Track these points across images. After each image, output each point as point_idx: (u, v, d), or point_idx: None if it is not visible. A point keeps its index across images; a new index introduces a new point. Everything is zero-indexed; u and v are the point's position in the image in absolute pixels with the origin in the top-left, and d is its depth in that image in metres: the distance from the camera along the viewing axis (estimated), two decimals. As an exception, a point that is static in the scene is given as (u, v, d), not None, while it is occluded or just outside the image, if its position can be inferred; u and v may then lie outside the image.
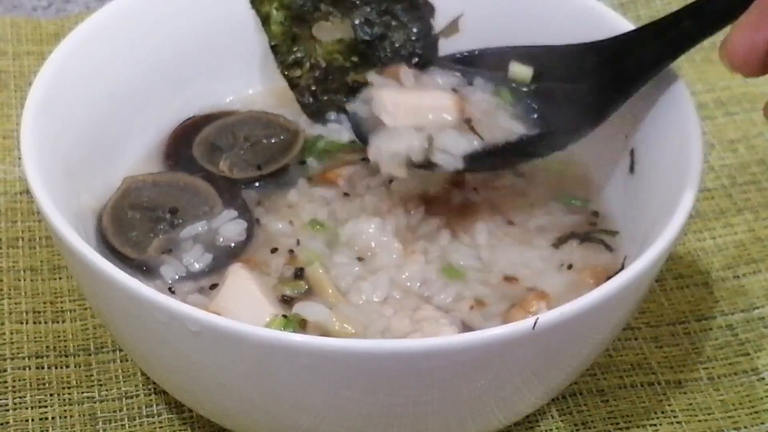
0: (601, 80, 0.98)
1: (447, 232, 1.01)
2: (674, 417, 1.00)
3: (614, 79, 0.97)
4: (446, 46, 1.12)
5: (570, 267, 0.99)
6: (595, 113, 0.98)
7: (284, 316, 0.92)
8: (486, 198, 1.04)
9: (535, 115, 1.00)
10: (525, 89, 1.02)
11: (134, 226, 1.00)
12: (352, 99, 1.03)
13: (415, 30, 1.11)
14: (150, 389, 1.00)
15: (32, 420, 0.98)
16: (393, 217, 1.01)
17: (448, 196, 1.04)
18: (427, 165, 0.97)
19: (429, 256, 0.99)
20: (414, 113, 0.98)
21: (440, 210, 1.02)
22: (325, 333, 0.91)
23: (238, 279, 0.95)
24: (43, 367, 1.02)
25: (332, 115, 1.12)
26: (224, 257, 0.98)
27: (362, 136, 1.01)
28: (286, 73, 1.11)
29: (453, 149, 0.96)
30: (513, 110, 1.01)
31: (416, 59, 1.08)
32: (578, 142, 1.00)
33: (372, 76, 1.03)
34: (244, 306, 0.93)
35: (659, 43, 0.94)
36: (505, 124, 0.99)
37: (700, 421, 1.00)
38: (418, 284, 0.96)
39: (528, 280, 0.98)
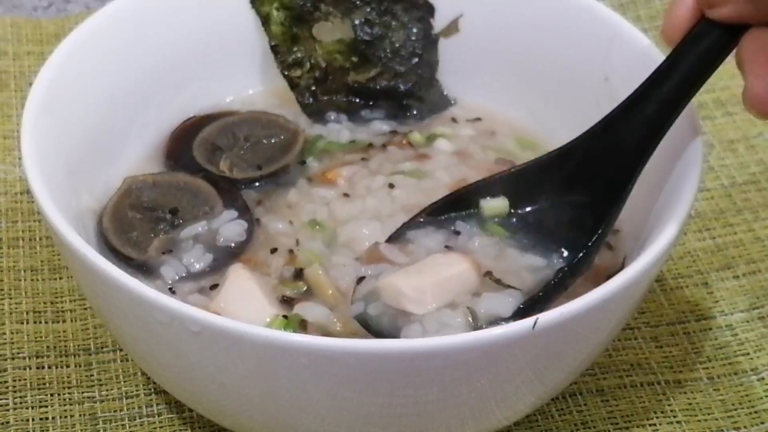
0: (591, 183, 0.93)
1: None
2: (674, 417, 1.00)
3: (599, 176, 0.93)
4: (446, 46, 1.12)
5: (570, 267, 0.99)
6: (598, 213, 0.93)
7: (284, 316, 0.92)
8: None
9: (536, 238, 0.95)
10: (513, 220, 0.97)
11: (135, 226, 1.00)
12: (355, 301, 0.94)
13: (415, 30, 1.11)
14: (150, 389, 1.01)
15: (33, 420, 0.98)
16: (394, 221, 1.01)
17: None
18: None
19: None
20: (440, 291, 0.91)
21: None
22: (325, 333, 0.91)
23: (239, 279, 0.95)
24: (43, 367, 1.02)
25: (332, 115, 1.12)
26: (224, 257, 0.98)
27: (388, 334, 0.91)
28: (286, 73, 1.11)
29: (501, 310, 0.90)
30: (517, 243, 0.96)
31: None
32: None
33: (361, 269, 0.96)
34: (244, 306, 0.93)
35: (636, 126, 0.90)
36: (522, 261, 0.94)
37: (699, 421, 1.00)
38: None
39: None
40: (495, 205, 0.98)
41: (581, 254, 0.92)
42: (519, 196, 0.97)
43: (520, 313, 0.90)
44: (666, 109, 0.89)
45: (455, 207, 0.99)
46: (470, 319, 0.90)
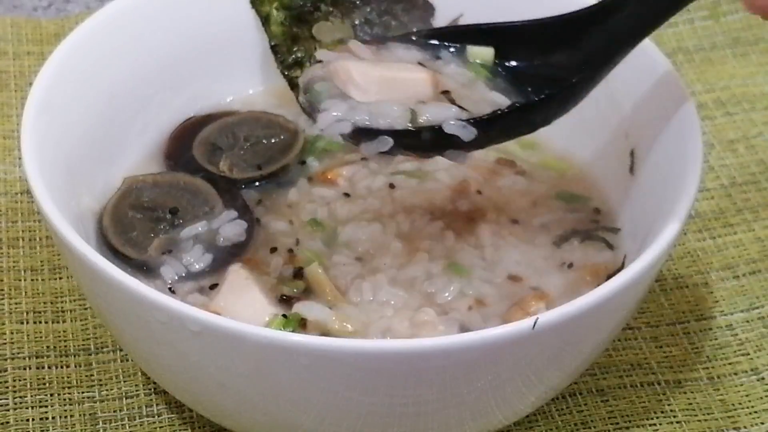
0: (579, 51, 0.93)
1: (451, 233, 1.00)
2: (674, 417, 1.00)
3: (592, 51, 0.92)
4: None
5: (570, 266, 0.99)
6: (581, 83, 0.92)
7: (284, 315, 0.92)
8: (489, 198, 1.04)
9: (514, 88, 0.94)
10: (499, 68, 0.96)
11: (134, 226, 1.00)
12: (307, 76, 0.93)
13: (415, 30, 1.11)
14: (150, 389, 1.00)
15: (33, 420, 0.98)
16: (395, 222, 1.01)
17: (455, 204, 1.03)
18: (430, 145, 0.90)
19: (433, 254, 0.99)
20: (388, 87, 0.91)
21: (446, 217, 1.02)
22: (325, 333, 0.91)
23: (238, 279, 0.95)
24: (43, 367, 1.02)
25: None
26: (224, 257, 0.98)
27: (312, 109, 0.92)
28: (286, 73, 1.11)
29: (442, 119, 0.89)
30: (491, 84, 0.95)
31: (369, 36, 1.04)
32: (569, 119, 0.94)
33: (323, 53, 0.97)
34: (244, 306, 0.93)
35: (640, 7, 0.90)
36: (488, 96, 0.93)
37: (699, 420, 1.00)
38: (422, 281, 0.96)
39: (531, 279, 0.98)
40: (480, 52, 0.96)
41: (539, 97, 0.91)
42: (506, 50, 0.96)
43: (458, 127, 0.89)
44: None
45: (445, 38, 0.98)
46: (409, 117, 0.89)
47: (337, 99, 0.91)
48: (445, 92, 0.93)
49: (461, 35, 0.98)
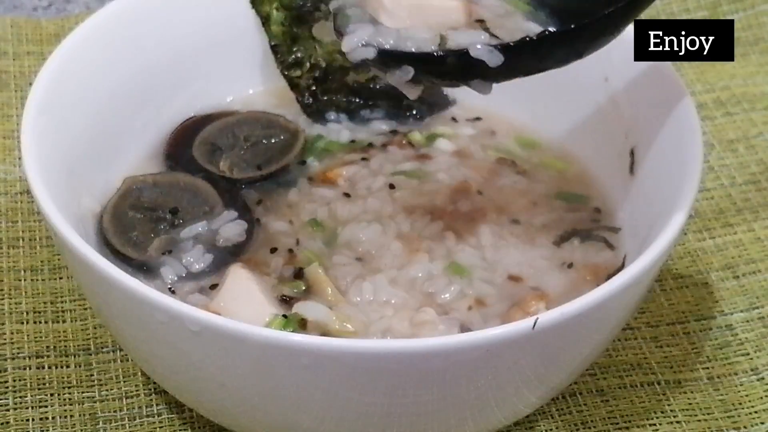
0: None
1: (451, 234, 1.00)
2: (674, 417, 1.00)
3: None
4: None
5: (570, 266, 0.99)
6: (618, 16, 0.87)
7: (284, 315, 0.92)
8: (489, 198, 1.05)
9: (553, 19, 0.90)
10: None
11: (135, 226, 1.00)
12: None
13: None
14: (150, 389, 1.01)
15: (33, 420, 0.98)
16: (395, 222, 1.01)
17: (455, 205, 1.03)
18: (456, 72, 0.88)
19: (433, 255, 0.99)
20: (419, 13, 0.89)
21: (446, 218, 1.02)
22: (325, 332, 0.91)
23: (238, 279, 0.95)
24: (43, 367, 1.02)
25: (332, 115, 1.12)
26: (224, 257, 0.98)
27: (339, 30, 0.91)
28: (286, 73, 1.11)
29: (471, 44, 0.86)
30: (531, 17, 0.91)
31: None
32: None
33: None
34: (244, 306, 0.93)
35: None
36: (524, 26, 0.89)
37: (699, 421, 1.00)
38: (422, 281, 0.96)
39: (531, 279, 0.98)
40: None
41: (572, 27, 0.87)
42: None
43: (485, 52, 0.86)
44: None
45: None
46: (438, 42, 0.87)
47: (365, 23, 0.89)
48: (480, 21, 0.90)
49: None
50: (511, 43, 0.87)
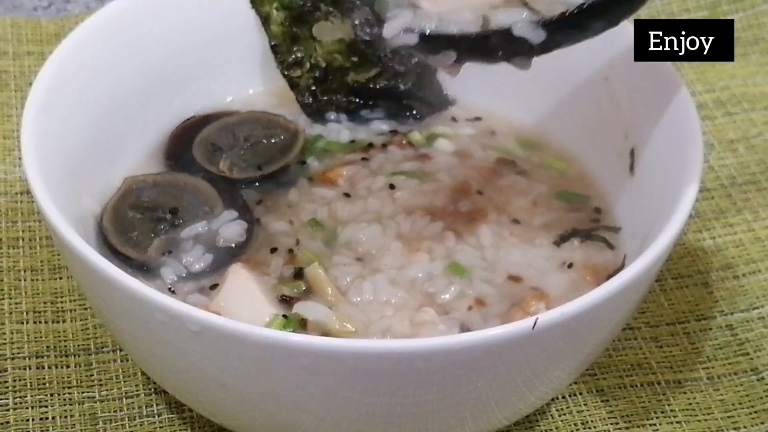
0: None
1: (452, 234, 1.00)
2: (674, 417, 1.00)
3: None
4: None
5: (570, 266, 0.99)
6: None
7: (284, 315, 0.92)
8: (490, 198, 1.05)
9: None
10: None
11: (135, 226, 1.00)
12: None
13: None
14: (150, 389, 1.01)
15: (33, 420, 0.98)
16: (395, 222, 1.01)
17: (455, 205, 1.03)
18: (499, 50, 0.87)
19: (433, 255, 0.99)
20: None
21: (446, 218, 1.02)
22: (325, 332, 0.91)
23: (238, 279, 0.95)
24: (43, 367, 1.02)
25: (332, 115, 1.12)
26: (224, 257, 0.98)
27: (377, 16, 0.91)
28: (286, 73, 1.11)
29: (513, 22, 0.86)
30: None
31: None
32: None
33: None
34: (244, 306, 0.93)
35: None
36: None
37: (699, 421, 1.00)
38: (422, 281, 0.96)
39: (531, 279, 0.98)
40: None
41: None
42: None
43: (527, 29, 0.86)
44: None
45: None
46: (481, 23, 0.87)
47: (405, 8, 0.89)
48: None
49: None
50: (553, 19, 0.86)
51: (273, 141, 1.09)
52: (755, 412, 1.01)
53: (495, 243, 1.00)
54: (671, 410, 1.01)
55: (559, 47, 0.90)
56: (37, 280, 1.09)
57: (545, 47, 0.88)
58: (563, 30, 0.87)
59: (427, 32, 0.88)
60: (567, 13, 0.86)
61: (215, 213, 1.01)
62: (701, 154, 0.92)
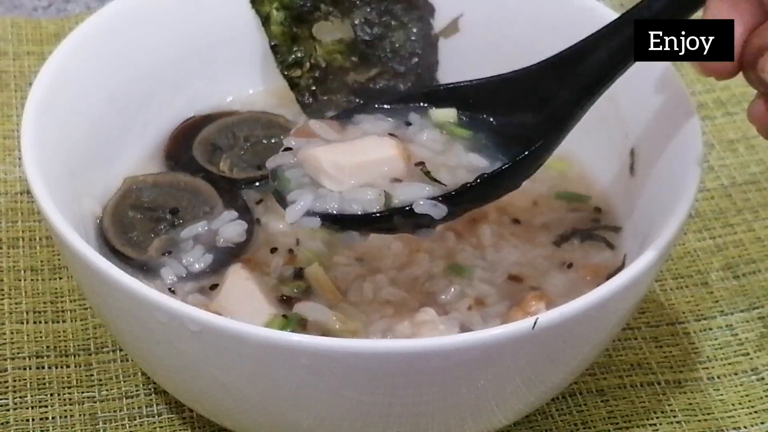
0: (542, 110, 0.92)
1: (452, 234, 1.00)
2: (674, 417, 1.00)
3: (557, 106, 0.91)
4: (446, 46, 1.12)
5: (570, 266, 0.99)
6: (557, 126, 0.91)
7: (284, 315, 0.92)
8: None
9: (495, 143, 0.93)
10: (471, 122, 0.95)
11: (135, 226, 1.00)
12: (273, 158, 0.92)
13: (415, 30, 1.11)
14: (150, 389, 1.00)
15: (33, 420, 0.98)
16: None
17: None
18: (399, 227, 0.89)
19: (434, 255, 0.99)
20: (360, 172, 0.90)
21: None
22: (325, 332, 0.91)
23: (238, 279, 0.95)
24: (43, 367, 1.02)
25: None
26: (224, 257, 0.98)
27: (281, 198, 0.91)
28: (286, 73, 1.11)
29: (416, 198, 0.88)
30: (469, 144, 0.93)
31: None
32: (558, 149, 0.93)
33: (290, 141, 0.94)
34: (244, 306, 0.93)
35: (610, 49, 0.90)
36: (464, 160, 0.92)
37: (699, 421, 1.00)
38: (422, 281, 0.96)
39: (531, 279, 0.98)
40: (442, 113, 0.95)
41: (505, 166, 0.90)
42: (474, 106, 0.95)
43: (429, 207, 0.88)
44: (612, 61, 0.89)
45: (408, 100, 0.97)
46: (383, 201, 0.88)
47: (306, 188, 0.90)
48: (420, 164, 0.91)
49: (423, 97, 0.97)
50: (453, 192, 0.88)
51: (273, 141, 1.09)
52: (755, 412, 1.01)
53: (495, 243, 1.00)
54: (671, 410, 1.01)
55: (463, 213, 0.92)
56: (37, 280, 1.09)
57: (451, 217, 0.89)
58: (465, 200, 0.89)
59: (330, 212, 0.88)
60: (468, 185, 0.89)
61: (215, 213, 1.01)
62: (701, 154, 0.92)
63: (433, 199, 0.88)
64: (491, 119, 0.94)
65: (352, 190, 0.89)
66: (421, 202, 0.88)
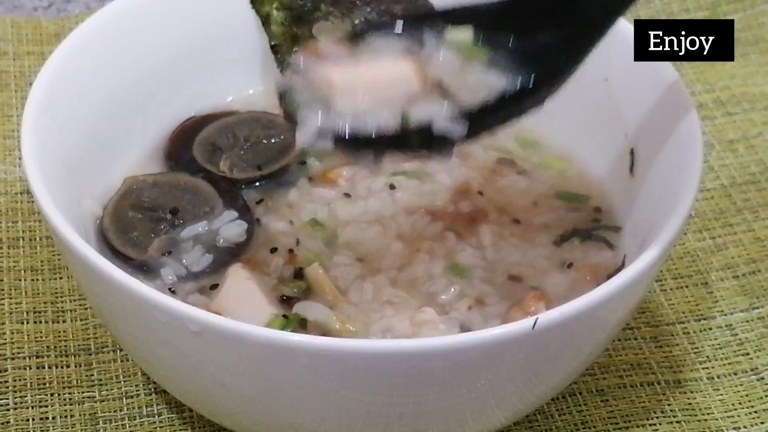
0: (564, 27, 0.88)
1: (452, 234, 1.00)
2: (674, 417, 1.00)
3: (580, 23, 0.87)
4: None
5: (570, 266, 0.99)
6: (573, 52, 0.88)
7: (284, 315, 0.92)
8: (490, 198, 1.04)
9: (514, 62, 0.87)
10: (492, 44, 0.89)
11: (135, 226, 1.00)
12: (282, 74, 0.87)
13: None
14: (150, 389, 1.01)
15: (33, 420, 0.98)
16: (395, 222, 1.01)
17: (456, 205, 1.03)
18: (416, 147, 0.85)
19: (434, 255, 0.99)
20: (374, 90, 0.85)
21: (447, 218, 1.02)
22: (325, 333, 0.91)
23: (239, 279, 0.95)
24: (43, 367, 1.02)
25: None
26: (224, 257, 0.98)
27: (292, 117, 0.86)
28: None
29: (434, 116, 0.84)
30: (488, 63, 0.88)
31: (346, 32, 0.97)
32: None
33: (298, 58, 0.89)
34: (244, 306, 0.93)
35: None
36: (483, 80, 0.86)
37: (699, 420, 1.00)
38: (422, 281, 0.97)
39: (531, 279, 0.98)
40: (458, 35, 0.89)
41: (529, 86, 0.86)
42: (491, 26, 0.89)
43: (448, 125, 0.84)
44: None
45: (424, 22, 0.91)
46: (399, 119, 0.84)
47: (318, 109, 0.86)
48: (436, 84, 0.87)
49: (440, 17, 0.92)
50: (473, 111, 0.85)
51: (273, 141, 1.09)
52: (755, 412, 1.01)
53: (495, 243, 1.00)
54: (671, 410, 1.01)
55: (485, 135, 0.88)
56: (37, 280, 1.09)
57: (470, 136, 0.86)
58: (485, 119, 0.86)
59: (344, 134, 0.85)
60: (488, 103, 0.85)
61: (215, 213, 1.01)
62: (701, 154, 0.92)
63: (453, 117, 0.84)
64: (509, 39, 0.89)
65: (366, 110, 0.85)
66: (440, 120, 0.84)
